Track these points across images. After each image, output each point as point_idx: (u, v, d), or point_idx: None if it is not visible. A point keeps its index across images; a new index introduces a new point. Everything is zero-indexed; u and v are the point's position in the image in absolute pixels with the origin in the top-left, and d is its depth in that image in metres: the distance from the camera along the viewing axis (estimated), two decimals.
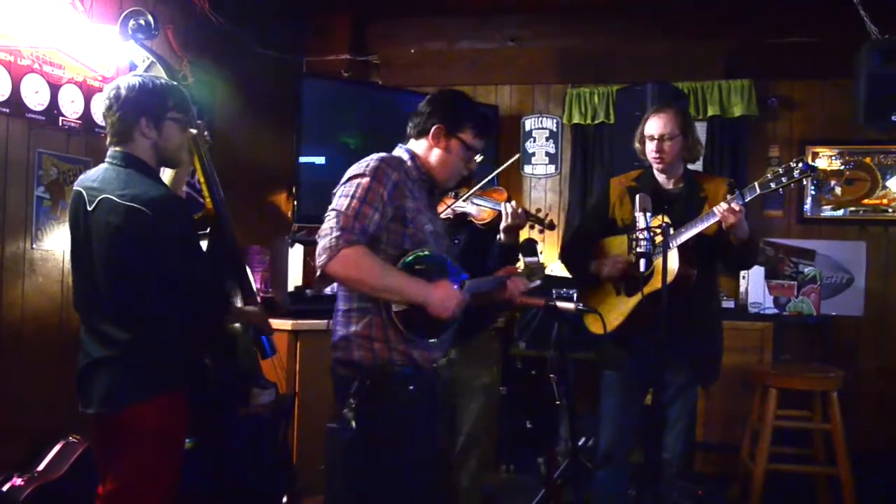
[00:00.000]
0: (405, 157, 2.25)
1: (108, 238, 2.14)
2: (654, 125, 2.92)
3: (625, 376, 2.97)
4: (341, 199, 2.09)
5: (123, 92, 2.23)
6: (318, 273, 2.07)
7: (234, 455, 2.61)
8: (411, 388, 2.13)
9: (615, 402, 2.99)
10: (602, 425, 3.02)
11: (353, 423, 2.09)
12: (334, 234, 2.01)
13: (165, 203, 2.17)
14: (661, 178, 2.98)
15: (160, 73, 2.63)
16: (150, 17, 2.72)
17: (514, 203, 2.59)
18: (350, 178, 2.13)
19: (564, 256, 3.25)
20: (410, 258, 2.12)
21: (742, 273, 4.59)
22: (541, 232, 2.91)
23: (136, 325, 2.17)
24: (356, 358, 2.13)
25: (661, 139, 2.89)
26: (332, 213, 2.07)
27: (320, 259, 2.02)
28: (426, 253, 2.15)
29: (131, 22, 2.73)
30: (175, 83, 2.40)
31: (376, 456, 2.13)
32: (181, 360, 2.27)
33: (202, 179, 2.66)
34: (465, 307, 2.20)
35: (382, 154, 2.19)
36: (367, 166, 2.13)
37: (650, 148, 2.93)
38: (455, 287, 2.14)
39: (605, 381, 3.03)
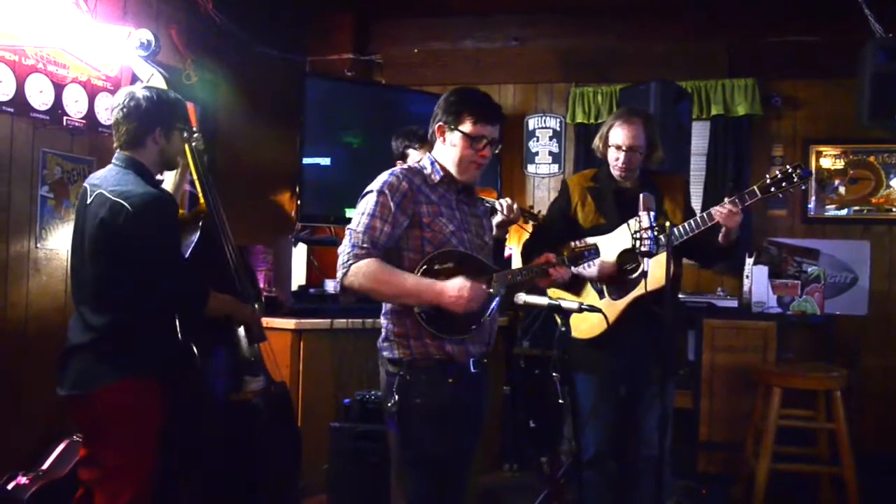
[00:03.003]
0: (427, 164, 2.35)
1: (93, 228, 2.34)
2: (622, 135, 2.89)
3: (603, 378, 2.94)
4: (354, 216, 2.24)
5: (143, 103, 2.46)
6: (338, 288, 2.24)
7: (224, 441, 2.64)
8: (450, 380, 2.22)
9: (596, 404, 2.94)
10: (587, 428, 3.00)
11: (396, 417, 2.21)
12: (347, 250, 2.19)
13: (146, 200, 2.35)
14: (618, 177, 2.98)
15: (161, 83, 2.85)
16: (150, 37, 2.97)
17: (509, 199, 2.63)
18: (363, 196, 2.27)
19: (527, 255, 3.13)
20: (431, 259, 2.21)
21: (746, 272, 4.58)
22: (534, 225, 2.94)
23: (111, 310, 2.34)
24: (397, 355, 2.25)
25: (629, 150, 2.89)
26: (348, 233, 2.23)
27: (338, 275, 2.20)
28: (447, 253, 2.22)
29: (134, 40, 2.97)
30: (179, 97, 2.62)
31: (413, 450, 2.23)
32: (152, 345, 2.40)
33: (196, 179, 2.79)
34: (492, 300, 2.25)
35: (398, 168, 2.32)
36: (377, 182, 2.26)
37: (615, 156, 2.92)
38: (469, 282, 2.15)
39: (581, 385, 2.98)
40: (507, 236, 2.76)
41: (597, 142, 3.02)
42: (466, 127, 2.26)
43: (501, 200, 2.61)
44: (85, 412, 2.38)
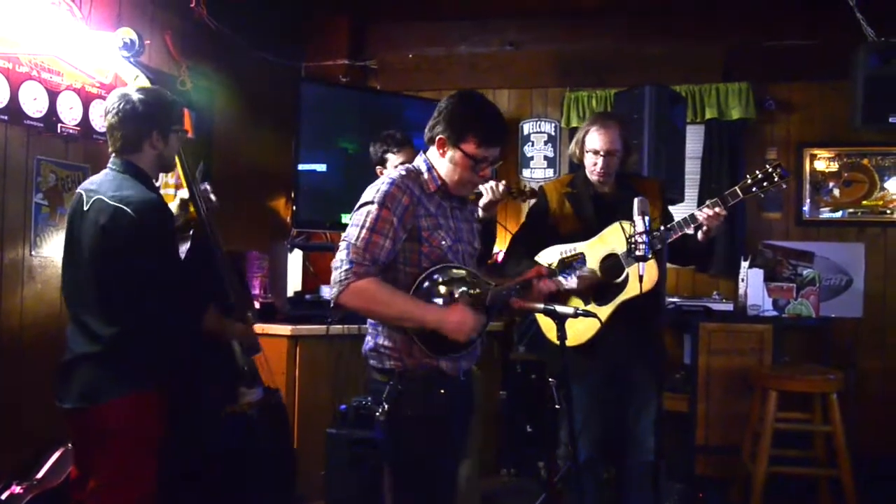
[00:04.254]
0: (423, 168, 2.24)
1: (94, 235, 2.27)
2: (599, 140, 2.91)
3: (591, 384, 2.94)
4: (352, 228, 2.13)
5: (139, 106, 2.37)
6: (331, 304, 2.12)
7: (222, 454, 2.63)
8: (442, 391, 2.19)
9: (587, 412, 2.93)
10: (579, 435, 2.99)
11: (386, 427, 2.16)
12: (344, 266, 2.08)
13: (148, 205, 2.30)
14: (596, 182, 2.99)
15: (146, 86, 2.79)
16: (134, 36, 2.92)
17: (493, 181, 2.58)
18: (361, 206, 2.16)
19: (506, 261, 3.12)
20: (427, 277, 2.14)
21: (741, 276, 4.59)
22: (523, 201, 2.96)
23: (119, 320, 2.27)
24: (388, 366, 2.19)
25: (606, 155, 2.91)
26: (343, 244, 2.12)
27: (333, 291, 2.09)
28: (443, 269, 2.16)
29: (118, 41, 2.93)
30: (174, 97, 2.54)
31: (406, 459, 2.20)
32: (159, 358, 2.35)
33: (184, 184, 2.73)
34: (489, 319, 2.22)
35: (396, 175, 2.19)
36: (377, 192, 2.14)
37: (592, 161, 2.95)
38: (470, 311, 2.12)
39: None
40: (496, 218, 2.74)
41: (573, 147, 3.04)
42: (470, 148, 2.16)
43: (486, 183, 2.56)
44: (90, 425, 2.31)
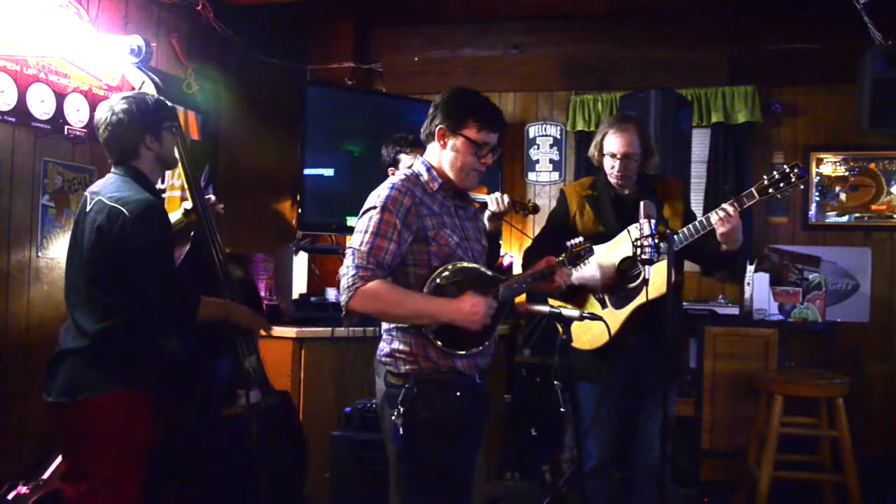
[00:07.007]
0: (422, 170, 2.26)
1: (91, 234, 2.33)
2: (617, 143, 2.90)
3: (606, 387, 2.93)
4: (357, 234, 2.16)
5: (125, 116, 2.43)
6: (342, 312, 2.15)
7: (217, 455, 2.62)
8: (458, 393, 2.19)
9: (598, 414, 2.92)
10: (589, 438, 2.97)
11: (401, 430, 2.15)
12: (350, 272, 2.10)
13: (143, 206, 2.33)
14: (615, 184, 2.98)
15: (152, 90, 2.81)
16: (141, 42, 2.95)
17: (499, 192, 2.61)
18: (364, 212, 2.18)
19: (526, 265, 3.09)
20: (439, 276, 2.16)
21: (747, 280, 4.58)
22: (525, 216, 2.94)
23: (107, 317, 2.31)
24: (404, 370, 2.19)
25: (624, 157, 2.90)
26: (349, 251, 2.14)
27: (342, 298, 2.12)
28: (454, 267, 2.17)
29: (125, 47, 2.96)
30: (160, 98, 2.59)
31: (420, 462, 2.19)
32: (144, 357, 2.38)
33: (186, 185, 2.74)
34: (502, 311, 2.22)
35: (397, 179, 2.23)
36: (378, 197, 2.17)
37: (611, 164, 2.93)
38: (481, 298, 2.13)
39: (584, 394, 2.95)
40: (501, 231, 2.75)
41: (592, 150, 3.03)
42: (471, 133, 2.19)
43: (492, 194, 2.60)
44: (71, 420, 2.35)
